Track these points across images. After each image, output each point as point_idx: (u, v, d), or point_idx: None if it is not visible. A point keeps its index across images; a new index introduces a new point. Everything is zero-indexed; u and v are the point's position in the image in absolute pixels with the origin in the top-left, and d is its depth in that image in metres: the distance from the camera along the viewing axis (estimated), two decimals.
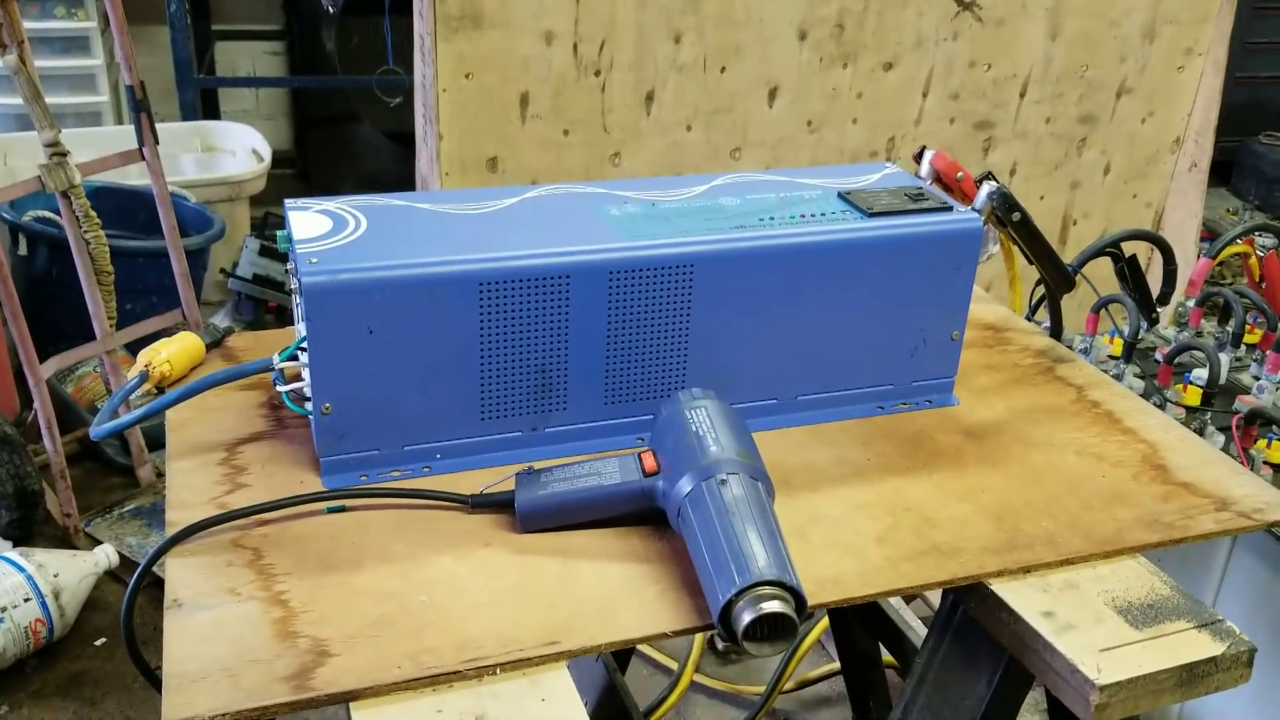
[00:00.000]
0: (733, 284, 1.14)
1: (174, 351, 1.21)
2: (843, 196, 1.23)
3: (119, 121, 3.76)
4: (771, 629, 0.87)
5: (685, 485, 0.97)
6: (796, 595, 0.88)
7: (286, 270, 1.11)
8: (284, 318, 3.36)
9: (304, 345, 1.05)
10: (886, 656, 1.76)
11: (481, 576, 0.97)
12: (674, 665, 2.15)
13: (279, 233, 1.11)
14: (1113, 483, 1.13)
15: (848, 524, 1.05)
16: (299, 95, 4.46)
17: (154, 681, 0.96)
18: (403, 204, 1.16)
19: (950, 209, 1.21)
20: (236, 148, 3.75)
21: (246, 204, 3.55)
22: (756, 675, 2.18)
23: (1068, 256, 1.47)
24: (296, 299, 1.09)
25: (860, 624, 1.72)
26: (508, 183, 2.37)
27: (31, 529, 2.40)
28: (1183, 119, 2.86)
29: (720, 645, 2.23)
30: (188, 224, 3.05)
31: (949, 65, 2.61)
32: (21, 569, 2.10)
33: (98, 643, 2.21)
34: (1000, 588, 0.99)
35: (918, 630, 1.70)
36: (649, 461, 1.03)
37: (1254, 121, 4.70)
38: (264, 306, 3.37)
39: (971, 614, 1.03)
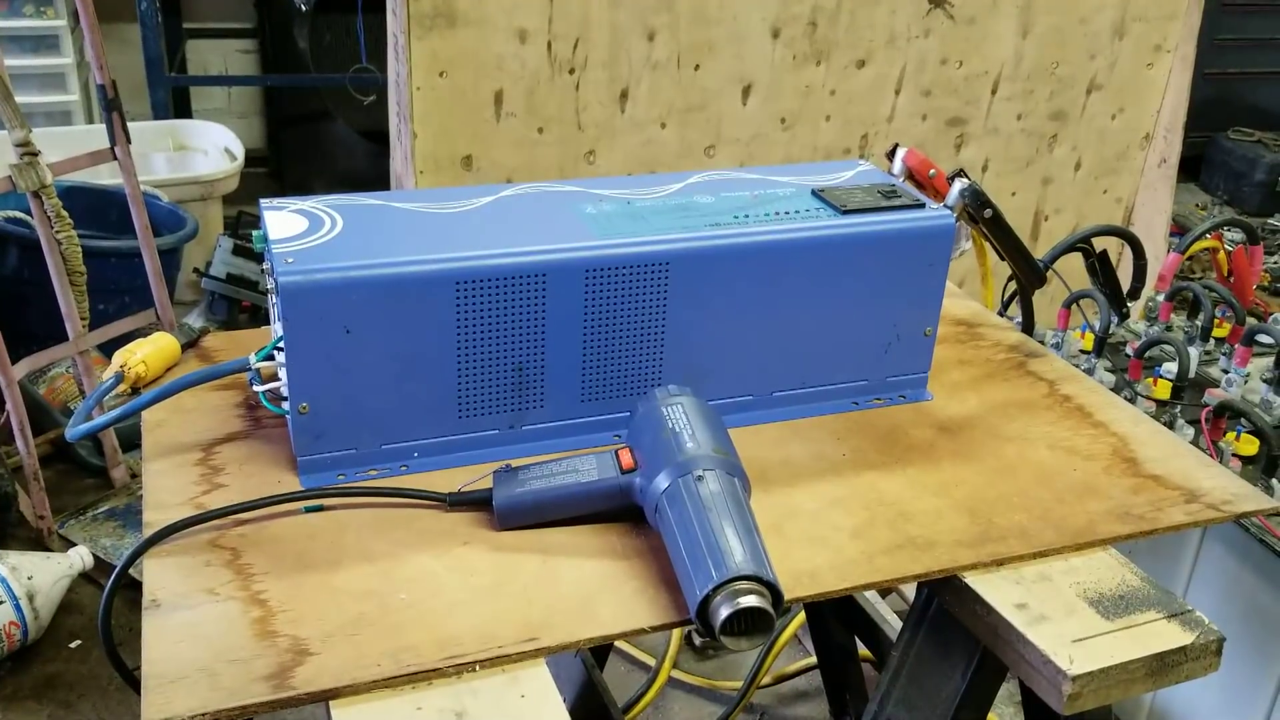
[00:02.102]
0: (708, 282, 1.14)
1: (149, 352, 1.20)
2: (816, 194, 1.24)
3: (89, 120, 3.73)
4: (749, 623, 0.88)
5: (662, 481, 0.98)
6: (773, 590, 0.89)
7: (263, 270, 1.11)
8: (258, 317, 3.35)
9: (280, 345, 1.05)
10: (862, 650, 1.77)
11: (460, 574, 0.98)
12: (652, 661, 2.15)
13: (254, 232, 1.11)
14: (1084, 476, 1.15)
15: (823, 519, 1.06)
16: (271, 93, 4.44)
17: (132, 682, 0.96)
18: (378, 203, 1.17)
19: (923, 206, 1.22)
20: (209, 146, 3.73)
21: (219, 203, 3.53)
22: (734, 670, 2.19)
23: (1039, 252, 1.49)
24: (273, 299, 1.09)
25: (836, 618, 1.74)
26: (482, 181, 2.37)
27: (4, 531, 2.38)
28: (1152, 115, 2.89)
29: (698, 641, 2.24)
30: (160, 223, 3.03)
31: (921, 63, 2.62)
32: None
33: (72, 645, 2.20)
34: (974, 580, 1.00)
35: (893, 624, 1.72)
36: (626, 458, 1.04)
37: (1222, 117, 4.75)
38: (238, 306, 3.36)
39: (946, 607, 1.04)
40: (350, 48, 3.86)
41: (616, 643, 1.88)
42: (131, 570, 0.97)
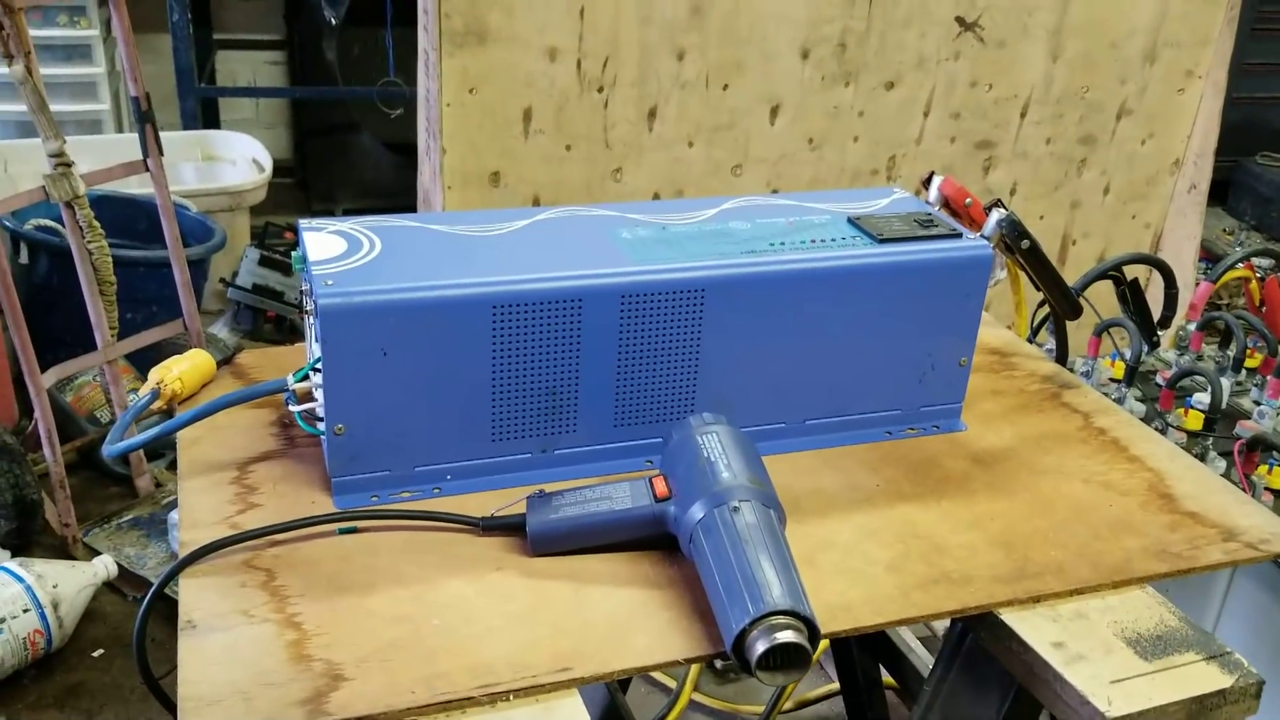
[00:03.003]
0: (743, 309, 1.14)
1: (185, 369, 1.21)
2: (852, 222, 1.24)
3: (119, 129, 3.75)
4: (785, 659, 0.88)
5: (697, 511, 0.98)
6: (810, 625, 0.88)
7: (301, 291, 1.12)
8: (282, 327, 3.36)
9: (318, 366, 1.05)
10: (886, 678, 1.76)
11: (493, 600, 0.98)
12: (673, 684, 2.15)
13: (293, 253, 1.11)
14: (1120, 512, 1.14)
15: (857, 551, 1.06)
16: (299, 105, 4.46)
17: (165, 701, 0.96)
18: (415, 225, 1.17)
19: (960, 235, 1.22)
20: (237, 157, 3.75)
21: (247, 214, 3.55)
22: (755, 695, 2.18)
23: (1067, 276, 1.48)
24: (310, 320, 1.09)
25: (860, 645, 1.72)
26: (510, 197, 2.38)
27: (30, 539, 2.39)
28: (1182, 141, 2.88)
29: (719, 665, 2.23)
30: (189, 234, 3.05)
31: (950, 85, 2.62)
32: (20, 579, 2.09)
33: (95, 654, 2.21)
34: (1010, 617, 0.99)
35: (918, 652, 1.71)
36: (660, 486, 1.04)
37: (1250, 142, 4.72)
38: (263, 316, 3.37)
39: (981, 643, 1.03)
40: (378, 61, 3.88)
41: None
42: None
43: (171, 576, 0.97)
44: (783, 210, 1.27)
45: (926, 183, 1.38)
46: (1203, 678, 0.94)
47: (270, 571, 0.99)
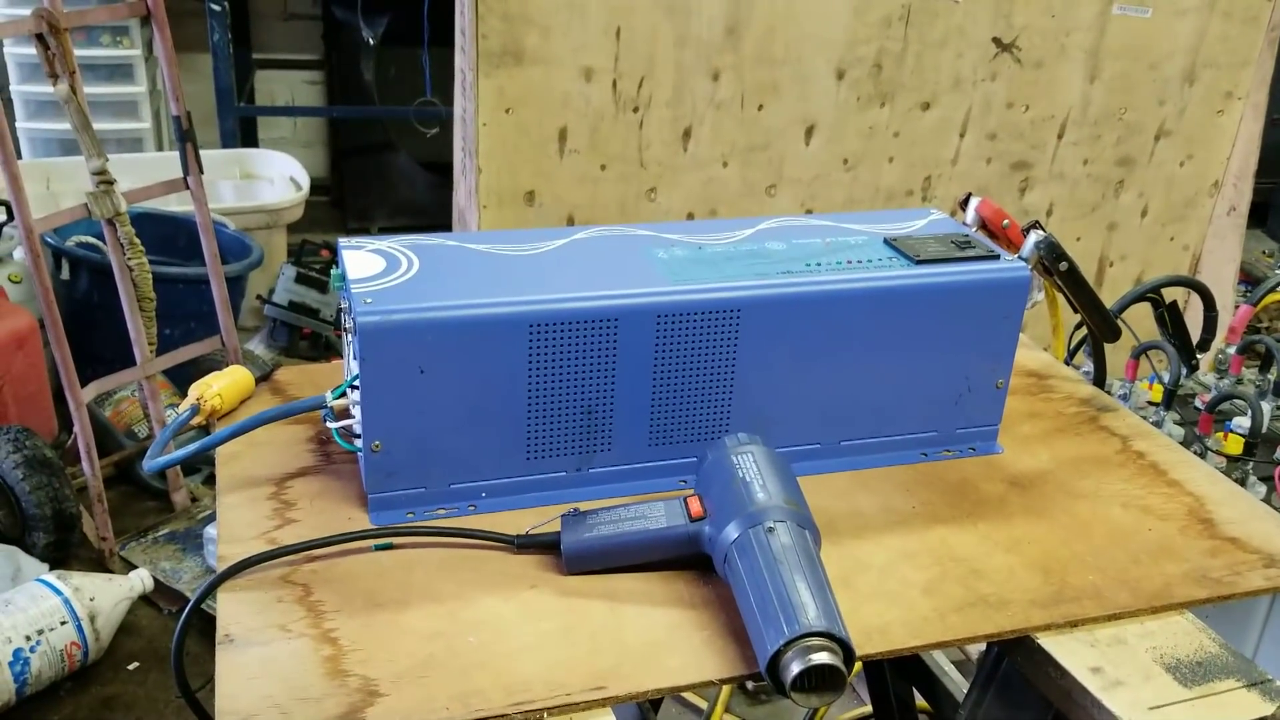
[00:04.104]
0: (779, 329, 1.14)
1: (225, 385, 1.22)
2: (889, 243, 1.24)
3: (159, 147, 3.81)
4: (819, 680, 0.87)
5: (732, 532, 0.97)
6: (845, 647, 0.88)
7: (340, 309, 1.13)
8: (317, 344, 3.39)
9: (355, 383, 1.06)
10: (919, 701, 1.75)
11: (528, 618, 0.98)
12: (704, 705, 2.14)
13: (333, 271, 1.12)
14: (1159, 536, 1.13)
15: (894, 573, 1.05)
16: (336, 124, 4.51)
17: (199, 710, 0.97)
18: (453, 244, 1.18)
19: (998, 257, 1.21)
20: (275, 175, 3.80)
21: (284, 231, 3.59)
22: (787, 717, 2.17)
23: (1105, 299, 1.47)
24: (349, 337, 1.10)
25: (893, 668, 1.71)
26: (545, 216, 2.39)
27: (68, 552, 2.42)
28: (1221, 163, 2.85)
29: (751, 685, 2.22)
30: (227, 251, 3.08)
31: (987, 106, 2.61)
32: (58, 592, 2.12)
33: (131, 667, 2.23)
34: (1047, 642, 0.99)
35: (952, 676, 1.69)
36: (695, 506, 1.03)
37: None
38: (298, 333, 3.40)
39: (1017, 667, 1.02)
40: (415, 81, 3.92)
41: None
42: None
43: (210, 590, 0.98)
44: (819, 231, 1.27)
45: (964, 204, 1.37)
46: (1243, 705, 0.93)
47: (307, 587, 1.00)
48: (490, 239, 1.20)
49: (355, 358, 1.06)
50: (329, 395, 1.12)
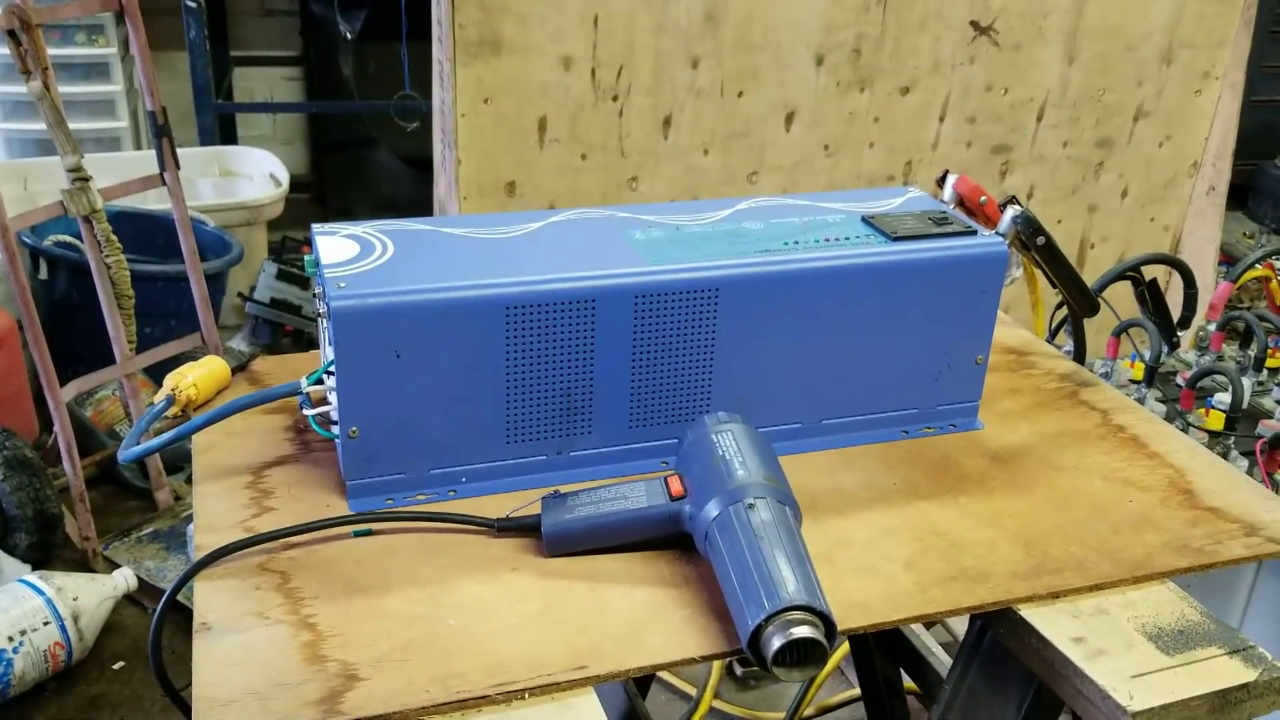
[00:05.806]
0: (758, 308, 1.14)
1: (200, 375, 1.21)
2: (866, 221, 1.23)
3: (138, 146, 3.78)
4: (801, 654, 0.87)
5: (713, 509, 0.97)
6: (826, 620, 0.88)
7: (314, 295, 1.12)
8: (300, 341, 3.37)
9: (331, 369, 1.05)
10: (908, 682, 1.75)
11: (508, 600, 0.97)
12: (693, 691, 2.14)
13: (306, 257, 1.11)
14: (1140, 508, 1.13)
15: (875, 549, 1.05)
16: (316, 120, 4.49)
17: (182, 706, 0.96)
18: (428, 228, 1.17)
19: (974, 233, 1.21)
20: (254, 172, 3.77)
21: (264, 228, 3.57)
22: (776, 701, 2.17)
23: (1086, 279, 1.47)
24: (324, 323, 1.09)
25: (881, 649, 1.71)
26: (525, 207, 2.38)
27: (50, 552, 2.40)
28: (1200, 142, 2.86)
29: (739, 671, 2.22)
30: (206, 248, 3.07)
31: (966, 89, 2.61)
32: (41, 592, 2.10)
33: (116, 666, 2.21)
34: (1029, 613, 0.98)
35: (939, 656, 1.69)
36: (675, 485, 1.03)
37: (1270, 145, 4.69)
38: (280, 330, 3.39)
39: (1000, 639, 1.02)
40: (394, 75, 3.90)
41: (658, 671, 1.87)
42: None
43: (188, 579, 0.97)
44: (797, 210, 1.27)
45: (941, 181, 1.37)
46: (1226, 672, 0.93)
47: (285, 574, 0.99)
48: (466, 222, 1.19)
49: (330, 343, 1.05)
50: (304, 381, 1.11)
